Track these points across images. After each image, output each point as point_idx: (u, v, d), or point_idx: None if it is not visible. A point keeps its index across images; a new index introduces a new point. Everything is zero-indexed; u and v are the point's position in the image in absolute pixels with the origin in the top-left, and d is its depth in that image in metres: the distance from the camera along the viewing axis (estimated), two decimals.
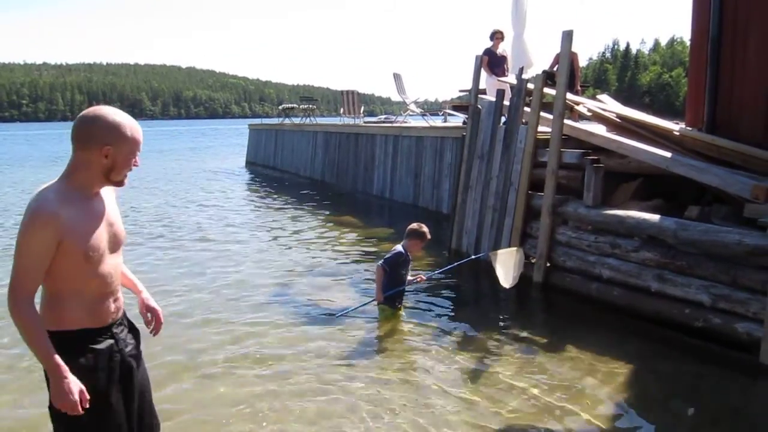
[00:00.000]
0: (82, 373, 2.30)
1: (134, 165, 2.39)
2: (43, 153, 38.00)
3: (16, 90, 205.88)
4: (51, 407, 2.35)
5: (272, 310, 6.26)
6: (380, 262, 6.03)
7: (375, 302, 6.00)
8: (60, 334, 2.31)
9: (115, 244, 2.43)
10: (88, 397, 2.27)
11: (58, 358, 2.21)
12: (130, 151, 2.33)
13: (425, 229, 6.01)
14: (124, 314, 2.57)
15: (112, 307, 2.44)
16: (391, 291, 5.91)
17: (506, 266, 6.04)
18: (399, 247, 6.00)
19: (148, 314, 2.73)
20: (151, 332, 2.74)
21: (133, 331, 2.62)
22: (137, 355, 2.59)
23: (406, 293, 6.22)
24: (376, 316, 5.99)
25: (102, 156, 2.28)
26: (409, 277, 6.11)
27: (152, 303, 2.74)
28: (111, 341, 2.43)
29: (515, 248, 6.49)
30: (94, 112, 2.32)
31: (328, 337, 5.50)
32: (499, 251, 6.32)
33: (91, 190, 2.35)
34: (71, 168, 2.32)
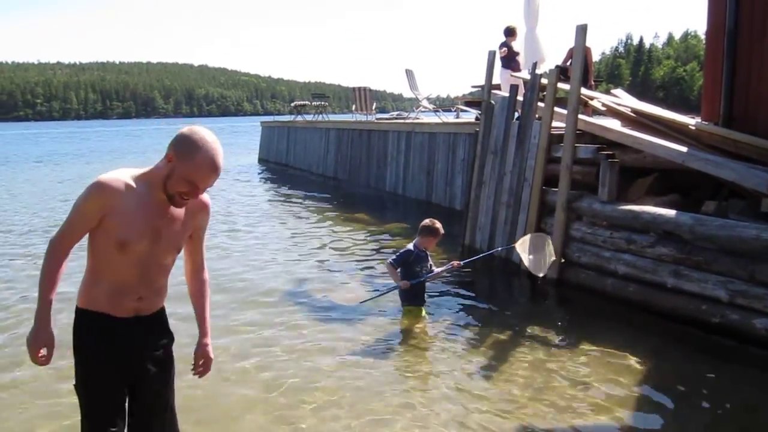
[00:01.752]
0: (85, 354, 2.45)
1: (191, 193, 2.38)
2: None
3: (30, 89, 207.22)
4: (75, 386, 2.50)
5: (288, 309, 6.26)
6: (389, 259, 6.00)
7: (397, 289, 5.88)
8: (83, 311, 2.46)
9: (159, 250, 2.44)
10: (45, 356, 2.36)
11: (47, 308, 2.34)
12: (187, 174, 2.31)
13: (438, 225, 5.90)
14: (159, 317, 2.60)
15: (134, 304, 2.46)
16: (414, 280, 5.78)
17: (533, 256, 6.04)
18: (409, 246, 5.94)
19: (201, 360, 2.72)
20: (193, 373, 2.75)
21: (166, 335, 2.65)
22: (161, 360, 2.60)
23: (426, 291, 6.15)
24: (398, 316, 5.94)
25: (167, 159, 2.34)
26: (438, 269, 6.05)
27: (210, 351, 2.74)
28: (127, 335, 2.46)
29: (539, 234, 6.43)
30: (195, 126, 2.40)
31: (348, 336, 5.48)
32: (523, 239, 6.32)
33: (157, 188, 2.37)
34: (157, 163, 2.41)
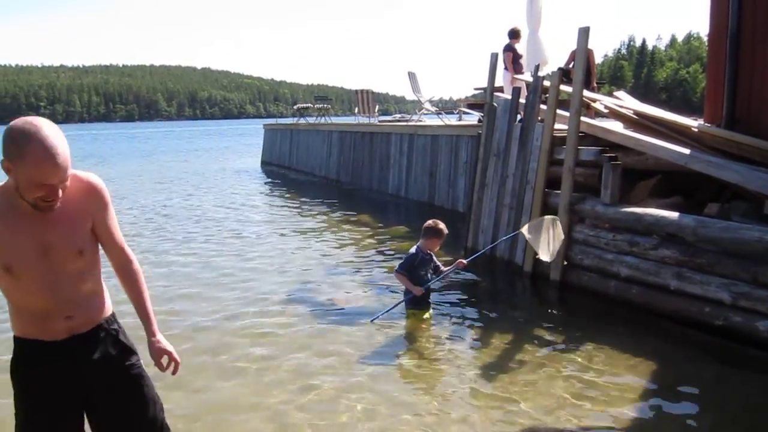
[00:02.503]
0: (18, 381, 2.30)
1: (50, 195, 2.04)
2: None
3: (34, 92, 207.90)
4: None
5: (291, 312, 6.25)
6: (396, 268, 5.90)
7: (409, 298, 5.81)
8: (16, 339, 2.32)
9: (55, 260, 2.18)
10: None
11: None
12: (28, 177, 1.99)
13: (441, 225, 5.82)
14: (102, 332, 2.37)
15: (63, 324, 2.25)
16: (425, 285, 5.78)
17: (542, 238, 5.74)
18: (413, 249, 5.90)
19: (164, 357, 2.43)
20: (169, 371, 2.48)
21: (117, 348, 2.40)
22: (118, 375, 2.38)
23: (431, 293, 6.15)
24: (401, 319, 5.92)
25: (5, 169, 2.04)
26: (445, 268, 5.95)
27: (165, 345, 2.44)
28: (63, 356, 2.27)
29: (549, 217, 5.95)
30: (17, 121, 2.04)
31: (352, 339, 5.47)
32: (529, 224, 6.04)
33: (19, 197, 2.08)
34: None
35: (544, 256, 5.81)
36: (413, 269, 5.78)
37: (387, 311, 5.84)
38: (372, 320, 5.79)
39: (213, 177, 21.33)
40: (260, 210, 13.69)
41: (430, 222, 5.92)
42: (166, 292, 6.85)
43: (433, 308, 6.07)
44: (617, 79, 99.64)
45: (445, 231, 5.86)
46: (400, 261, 6.01)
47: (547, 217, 5.96)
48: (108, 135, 75.40)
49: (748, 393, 4.39)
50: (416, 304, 5.85)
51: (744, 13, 6.67)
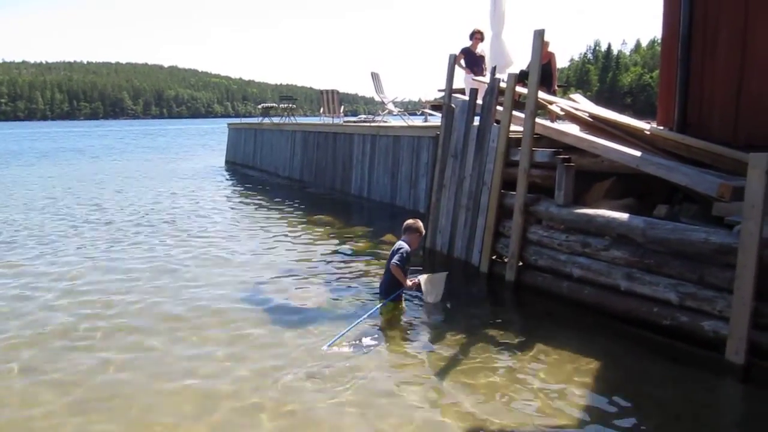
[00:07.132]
0: None
1: None
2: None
3: None
4: None
5: (246, 313, 6.19)
6: (396, 262, 6.10)
7: (398, 294, 6.23)
8: None
9: None
10: None
11: None
12: None
13: (420, 223, 6.47)
14: None
15: None
16: (395, 294, 6.21)
17: (434, 287, 6.37)
18: (405, 246, 6.21)
19: None
20: None
21: None
22: None
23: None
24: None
25: None
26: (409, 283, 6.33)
27: None
28: None
29: (443, 273, 6.59)
30: None
31: (306, 340, 5.45)
32: (428, 276, 6.47)
33: None
34: None
35: (430, 298, 6.37)
36: (408, 264, 6.18)
37: (342, 335, 5.41)
38: (328, 345, 5.24)
39: (174, 176, 21.02)
40: (220, 210, 13.50)
41: (410, 221, 6.49)
42: (125, 287, 6.74)
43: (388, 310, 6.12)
44: (583, 83, 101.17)
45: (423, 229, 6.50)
46: (400, 255, 6.15)
47: (444, 273, 6.57)
48: (77, 133, 74.12)
49: (693, 391, 4.46)
50: (397, 299, 6.25)
51: (695, 20, 6.81)
